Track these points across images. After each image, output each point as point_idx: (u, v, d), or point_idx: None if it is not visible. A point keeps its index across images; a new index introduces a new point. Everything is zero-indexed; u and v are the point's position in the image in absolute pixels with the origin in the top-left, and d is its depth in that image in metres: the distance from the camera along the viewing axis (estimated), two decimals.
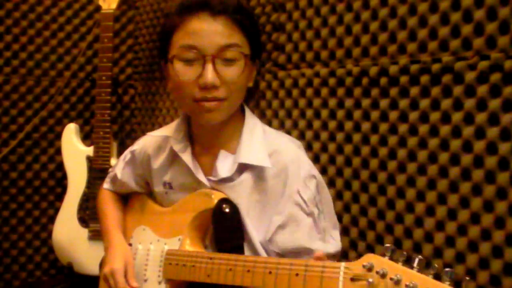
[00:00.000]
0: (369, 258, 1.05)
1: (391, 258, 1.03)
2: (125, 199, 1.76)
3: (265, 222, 1.42)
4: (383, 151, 1.70)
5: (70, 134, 2.70)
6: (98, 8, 2.73)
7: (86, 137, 2.83)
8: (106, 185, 1.76)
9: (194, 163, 1.49)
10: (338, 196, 1.85)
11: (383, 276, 1.01)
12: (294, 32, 2.00)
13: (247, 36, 1.40)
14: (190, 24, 1.37)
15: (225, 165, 1.46)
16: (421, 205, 1.58)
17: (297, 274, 1.17)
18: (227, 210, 1.42)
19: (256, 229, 1.42)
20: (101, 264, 1.69)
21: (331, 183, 1.86)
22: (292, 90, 2.01)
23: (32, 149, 2.85)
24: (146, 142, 1.63)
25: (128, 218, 1.70)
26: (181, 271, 1.43)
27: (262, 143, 1.46)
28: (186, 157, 1.49)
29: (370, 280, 1.03)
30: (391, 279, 1.00)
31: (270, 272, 1.21)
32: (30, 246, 2.88)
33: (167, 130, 1.58)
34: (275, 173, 1.42)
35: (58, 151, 2.77)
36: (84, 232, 2.59)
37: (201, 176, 1.47)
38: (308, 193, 1.41)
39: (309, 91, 1.94)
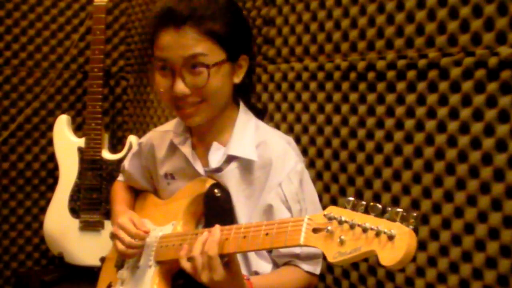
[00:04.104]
0: (331, 210, 1.09)
1: (352, 209, 1.07)
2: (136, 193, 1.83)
3: (250, 212, 1.46)
4: (369, 145, 1.71)
5: (62, 126, 2.71)
6: (90, 0, 2.74)
7: (78, 129, 2.84)
8: (119, 177, 1.86)
9: (193, 155, 1.56)
10: (325, 189, 1.86)
11: (340, 222, 1.05)
12: (284, 27, 2.01)
13: (218, 40, 1.42)
14: (159, 38, 1.44)
15: (216, 156, 1.52)
16: (407, 199, 1.60)
17: (267, 234, 1.21)
18: (218, 194, 1.48)
19: (242, 218, 1.47)
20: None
21: (318, 176, 1.88)
22: (281, 84, 2.03)
23: (24, 140, 2.85)
24: (152, 136, 1.72)
25: None
26: (170, 251, 1.47)
27: (252, 137, 1.51)
28: (186, 149, 1.56)
29: (329, 228, 1.07)
30: (346, 222, 1.04)
31: (244, 237, 1.26)
32: (22, 236, 2.88)
33: (169, 125, 1.67)
34: (260, 165, 1.47)
35: (50, 142, 2.77)
36: (75, 223, 2.60)
37: (199, 167, 1.54)
38: (291, 187, 1.45)
39: (298, 85, 1.96)
